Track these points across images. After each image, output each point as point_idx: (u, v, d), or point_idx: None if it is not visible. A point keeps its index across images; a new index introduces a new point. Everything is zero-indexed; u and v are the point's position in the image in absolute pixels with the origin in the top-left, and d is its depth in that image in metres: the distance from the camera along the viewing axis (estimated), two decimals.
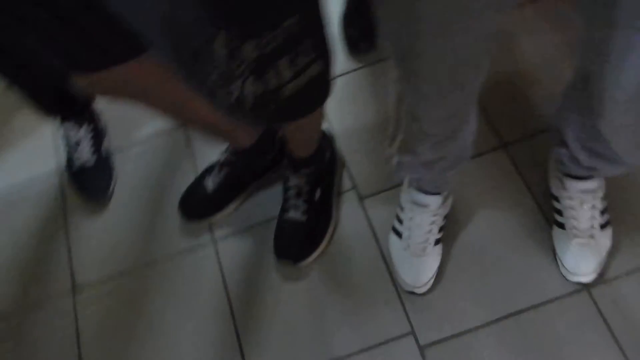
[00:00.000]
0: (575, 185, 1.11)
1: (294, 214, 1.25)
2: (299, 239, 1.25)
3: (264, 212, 1.35)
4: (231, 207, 1.35)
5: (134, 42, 0.84)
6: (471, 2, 0.64)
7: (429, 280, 1.18)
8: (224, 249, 1.34)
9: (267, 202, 1.36)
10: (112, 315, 1.31)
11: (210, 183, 1.33)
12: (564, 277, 1.14)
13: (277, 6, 0.66)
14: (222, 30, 0.64)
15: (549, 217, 1.21)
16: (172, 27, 0.66)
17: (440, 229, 1.19)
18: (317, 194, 1.26)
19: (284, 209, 1.27)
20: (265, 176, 1.35)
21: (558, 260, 1.15)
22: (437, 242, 1.19)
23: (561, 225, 1.15)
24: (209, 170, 1.35)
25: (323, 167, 1.27)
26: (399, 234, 1.21)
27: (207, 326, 1.26)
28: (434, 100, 0.81)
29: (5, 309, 1.37)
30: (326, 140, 1.30)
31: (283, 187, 1.29)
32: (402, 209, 1.21)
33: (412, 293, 1.19)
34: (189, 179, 1.40)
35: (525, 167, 1.29)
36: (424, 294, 1.19)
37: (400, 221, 1.22)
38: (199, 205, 1.35)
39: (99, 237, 1.41)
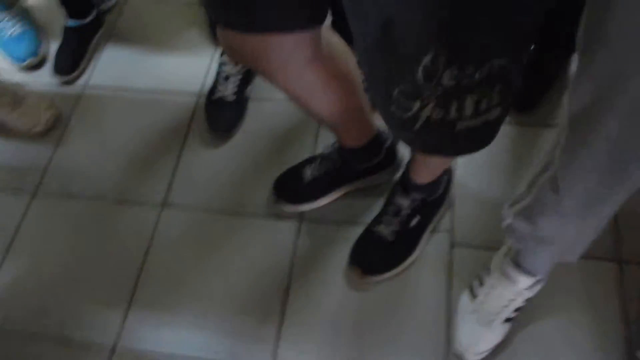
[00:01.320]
0: None
1: (385, 230, 1.24)
2: (378, 255, 1.24)
3: (355, 216, 1.35)
4: (322, 201, 1.36)
5: (312, 12, 0.86)
6: None
7: (483, 352, 1.13)
8: (305, 230, 1.36)
9: (359, 207, 1.36)
10: (185, 241, 1.38)
11: (309, 173, 1.35)
12: None
13: (496, 42, 0.65)
14: (435, 49, 0.64)
15: (633, 352, 1.12)
16: (390, 29, 0.65)
17: (517, 309, 1.14)
18: (414, 221, 1.24)
19: (376, 221, 1.26)
20: (364, 179, 1.35)
21: None
22: (507, 320, 1.14)
23: None
24: (310, 161, 1.37)
25: (431, 198, 1.25)
26: (473, 295, 1.17)
27: (260, 291, 1.28)
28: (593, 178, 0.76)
29: (102, 193, 1.48)
30: (446, 174, 1.28)
31: (386, 199, 1.28)
32: (488, 272, 1.17)
33: (461, 357, 1.15)
34: (305, 154, 1.43)
35: (632, 293, 1.19)
36: None
37: (480, 283, 1.17)
38: (292, 191, 1.37)
39: (206, 168, 1.48)
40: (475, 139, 0.77)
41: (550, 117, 1.44)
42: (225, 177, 1.47)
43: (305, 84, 1.00)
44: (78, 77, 1.72)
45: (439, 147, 0.78)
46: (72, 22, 1.73)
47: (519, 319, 1.16)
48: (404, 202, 1.24)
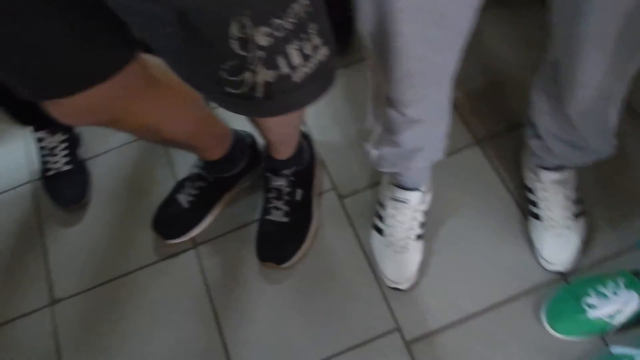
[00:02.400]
0: (548, 176, 1.15)
1: (276, 216, 1.25)
2: (282, 241, 1.25)
3: (243, 218, 1.35)
4: (208, 219, 1.35)
5: (118, 52, 0.84)
6: None
7: (412, 276, 1.19)
8: (205, 254, 1.33)
9: (244, 209, 1.36)
10: (91, 326, 1.29)
11: (184, 198, 1.32)
12: (542, 266, 1.18)
13: None
14: (236, 17, 0.64)
15: (524, 209, 1.24)
16: (185, 20, 0.65)
17: (421, 225, 1.21)
18: (298, 195, 1.26)
19: (265, 211, 1.27)
20: (240, 183, 1.35)
21: (536, 250, 1.18)
22: (418, 237, 1.21)
23: (537, 217, 1.18)
24: (179, 187, 1.34)
25: (303, 168, 1.28)
26: (379, 231, 1.23)
27: (190, 333, 1.25)
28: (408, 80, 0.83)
29: None
30: (305, 142, 1.31)
31: (264, 189, 1.29)
32: (382, 205, 1.23)
33: (396, 289, 1.20)
34: (167, 185, 1.39)
35: (499, 162, 1.32)
36: (407, 290, 1.20)
37: (380, 218, 1.23)
38: (175, 222, 1.33)
39: (76, 247, 1.39)
40: (318, 83, 0.79)
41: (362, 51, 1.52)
42: (99, 245, 1.39)
43: (152, 112, 0.98)
44: None
45: (289, 103, 0.79)
46: None
47: (428, 233, 1.24)
48: (280, 183, 1.25)
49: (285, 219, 1.25)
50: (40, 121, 1.43)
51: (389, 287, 1.21)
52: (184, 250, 1.34)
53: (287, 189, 1.26)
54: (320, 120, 1.45)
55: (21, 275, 1.38)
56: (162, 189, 1.40)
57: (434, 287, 1.20)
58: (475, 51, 1.46)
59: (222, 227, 1.35)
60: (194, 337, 1.24)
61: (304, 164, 1.28)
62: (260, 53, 0.68)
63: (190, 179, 1.32)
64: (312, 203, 1.30)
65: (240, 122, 1.19)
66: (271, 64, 0.70)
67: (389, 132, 0.97)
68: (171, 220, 1.33)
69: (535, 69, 1.01)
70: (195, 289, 1.29)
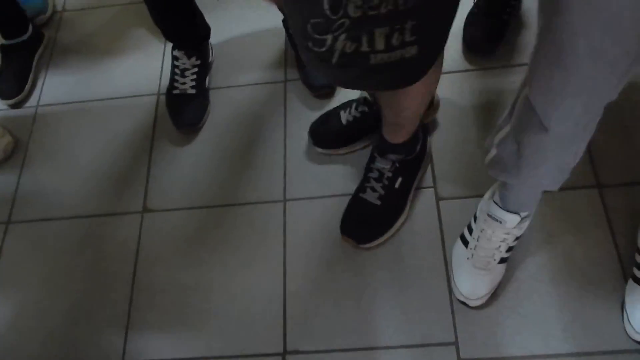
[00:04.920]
0: None
1: (370, 196, 1.25)
2: (368, 222, 1.25)
3: (336, 186, 1.35)
4: (358, 145, 1.38)
5: None
6: None
7: (484, 296, 1.16)
8: (292, 210, 1.35)
9: (340, 176, 1.37)
10: (172, 243, 1.36)
11: (345, 117, 1.36)
12: (627, 333, 1.10)
13: None
14: None
15: (627, 270, 1.16)
16: None
17: (509, 249, 1.16)
18: (398, 182, 1.25)
19: (361, 188, 1.27)
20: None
21: (625, 315, 1.10)
22: (502, 260, 1.16)
23: (638, 281, 1.10)
24: (344, 107, 1.39)
25: (411, 158, 1.26)
26: (465, 243, 1.19)
27: (258, 277, 1.28)
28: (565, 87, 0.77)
29: (78, 211, 1.44)
30: (421, 134, 1.28)
31: (366, 166, 1.28)
32: (475, 219, 1.19)
33: (464, 304, 1.17)
34: (277, 134, 1.42)
35: (615, 214, 1.23)
36: (475, 308, 1.17)
37: (470, 230, 1.19)
38: (330, 135, 1.38)
39: (178, 167, 1.46)
40: (394, 76, 0.79)
41: (510, 58, 1.46)
42: (199, 171, 1.44)
43: None
44: (26, 98, 1.65)
45: (359, 81, 0.80)
46: (9, 42, 1.66)
47: (514, 259, 1.19)
48: (384, 165, 1.24)
49: (377, 202, 1.24)
50: (182, 41, 1.50)
51: (458, 300, 1.18)
52: (274, 201, 1.37)
53: (389, 174, 1.24)
54: (445, 116, 1.41)
55: (123, 176, 1.47)
56: (271, 136, 1.43)
57: (504, 315, 1.16)
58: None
59: (316, 189, 1.36)
60: (260, 284, 1.27)
61: (413, 154, 1.26)
62: (347, 22, 0.69)
63: (358, 101, 1.35)
64: (409, 195, 1.28)
65: None
66: (354, 37, 0.71)
67: (516, 133, 0.92)
68: (326, 132, 1.38)
69: None
70: (274, 239, 1.32)
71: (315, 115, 1.44)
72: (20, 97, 1.64)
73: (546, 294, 1.17)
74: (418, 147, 1.27)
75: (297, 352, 1.19)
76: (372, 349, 1.17)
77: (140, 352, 1.24)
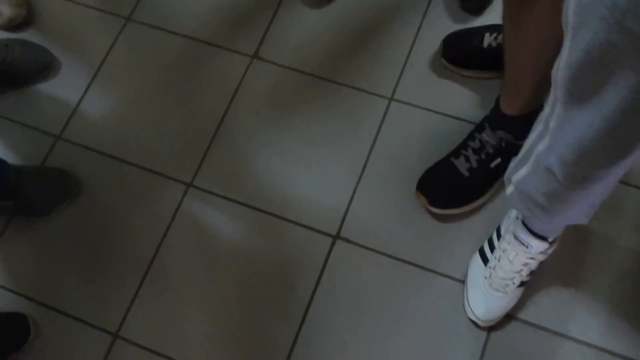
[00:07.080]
0: None
1: (460, 164, 1.18)
2: (447, 188, 1.19)
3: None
4: (486, 74, 1.31)
5: None
6: None
7: (497, 318, 1.12)
8: (395, 110, 1.32)
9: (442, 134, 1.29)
10: (272, 93, 1.37)
11: (489, 40, 1.28)
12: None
13: None
14: None
15: None
16: None
17: (530, 274, 1.09)
18: (494, 162, 1.17)
19: (455, 152, 1.20)
20: None
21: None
22: (521, 284, 1.09)
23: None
24: (491, 29, 1.29)
25: (519, 143, 1.12)
26: (485, 260, 1.12)
27: (336, 163, 1.28)
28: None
29: (194, 32, 1.43)
30: (539, 111, 1.20)
31: (469, 133, 1.20)
32: (499, 236, 1.10)
33: (474, 323, 1.13)
34: (408, 31, 1.37)
35: None
36: (484, 328, 1.13)
37: (491, 247, 1.12)
38: (465, 51, 1.31)
39: (302, 27, 1.41)
40: None
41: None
42: (322, 41, 1.39)
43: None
44: None
45: None
46: None
47: (533, 282, 1.13)
48: (490, 140, 1.16)
49: (466, 174, 1.18)
50: None
51: (469, 318, 1.13)
52: (381, 96, 1.33)
53: (490, 150, 1.17)
54: None
55: (246, 16, 1.43)
56: (401, 31, 1.35)
57: (511, 339, 1.13)
58: None
59: (426, 101, 1.31)
60: (338, 170, 1.28)
61: (524, 139, 1.20)
62: None
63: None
64: (498, 180, 1.20)
65: None
66: None
67: (533, 178, 0.85)
68: (463, 49, 1.31)
69: None
70: (366, 133, 1.30)
71: (453, 27, 1.34)
72: None
73: (559, 323, 1.14)
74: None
75: (347, 240, 1.22)
76: (431, 271, 1.18)
77: (209, 182, 1.30)
